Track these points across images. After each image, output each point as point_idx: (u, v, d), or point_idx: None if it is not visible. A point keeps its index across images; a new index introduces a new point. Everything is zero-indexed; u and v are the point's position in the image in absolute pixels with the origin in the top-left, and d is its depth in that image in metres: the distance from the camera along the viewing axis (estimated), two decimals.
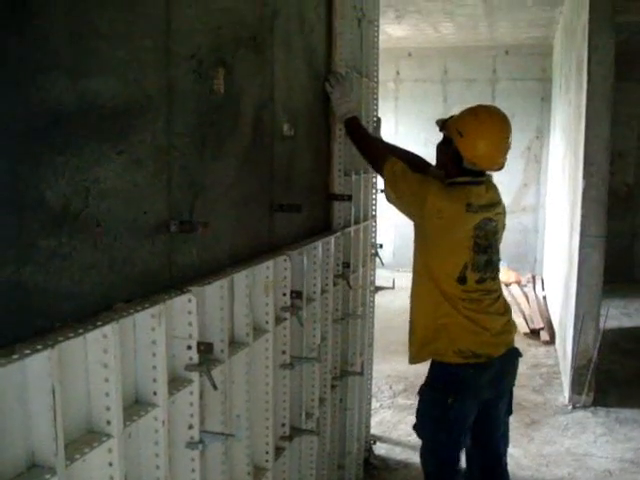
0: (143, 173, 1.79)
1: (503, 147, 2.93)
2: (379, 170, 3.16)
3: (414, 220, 3.02)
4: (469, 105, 2.98)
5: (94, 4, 1.57)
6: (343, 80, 3.31)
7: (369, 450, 4.36)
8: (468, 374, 2.94)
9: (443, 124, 3.04)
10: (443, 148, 3.02)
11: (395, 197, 3.03)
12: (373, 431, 4.60)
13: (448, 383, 2.96)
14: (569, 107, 6.57)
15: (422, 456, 3.16)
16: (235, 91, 2.28)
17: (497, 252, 3.05)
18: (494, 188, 3.10)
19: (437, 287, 2.93)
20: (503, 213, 3.14)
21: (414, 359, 3.07)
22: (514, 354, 3.16)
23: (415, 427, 3.11)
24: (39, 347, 1.34)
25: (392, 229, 9.64)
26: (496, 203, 3.03)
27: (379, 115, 4.18)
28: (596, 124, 5.04)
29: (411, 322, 3.09)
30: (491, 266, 2.99)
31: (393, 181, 3.02)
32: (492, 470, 3.26)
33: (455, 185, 2.93)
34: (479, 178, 2.95)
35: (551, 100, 9.53)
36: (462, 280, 2.91)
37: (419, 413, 3.07)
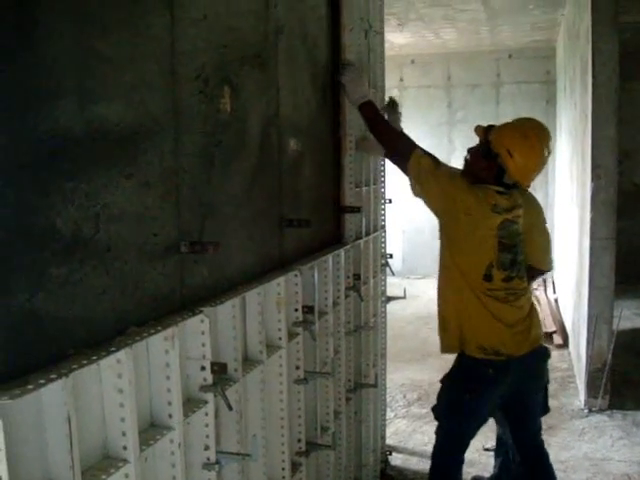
0: (152, 195, 1.79)
1: (543, 166, 3.10)
2: (402, 162, 3.16)
3: (440, 215, 3.10)
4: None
5: (98, 29, 1.57)
6: (353, 66, 3.30)
7: (385, 461, 4.34)
8: (487, 374, 3.04)
9: (484, 132, 3.09)
10: (482, 158, 3.06)
11: (421, 191, 3.09)
12: (388, 441, 4.58)
13: (467, 379, 3.10)
14: (575, 109, 6.55)
15: (436, 434, 3.33)
16: (241, 109, 2.28)
17: (522, 252, 3.13)
18: (523, 194, 3.21)
19: (465, 281, 3.04)
20: (534, 214, 3.29)
21: (447, 348, 3.17)
22: (540, 354, 3.25)
23: (434, 409, 3.28)
24: (53, 376, 1.34)
25: (400, 236, 9.63)
26: (516, 206, 3.10)
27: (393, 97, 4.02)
28: (602, 126, 5.03)
29: (441, 314, 3.17)
30: (517, 265, 3.09)
31: (419, 175, 3.07)
32: (534, 463, 3.41)
33: (481, 186, 3.02)
34: (509, 190, 3.05)
35: (556, 102, 9.51)
36: (488, 277, 3.01)
37: (439, 398, 3.25)
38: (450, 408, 3.19)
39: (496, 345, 3.01)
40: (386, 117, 3.63)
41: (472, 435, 3.26)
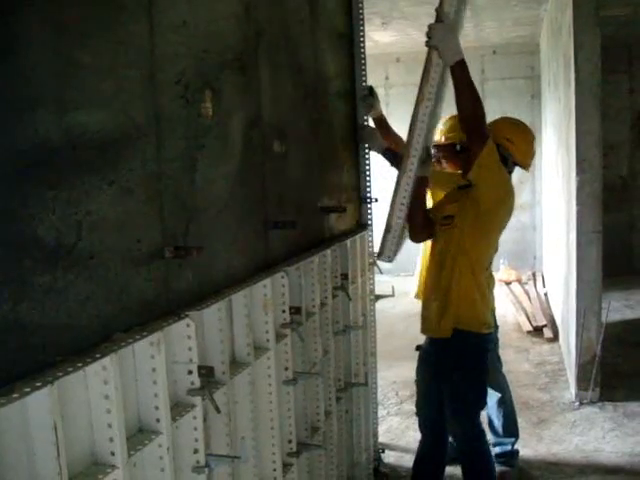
0: (135, 202, 1.80)
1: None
2: (478, 141, 3.06)
3: (487, 205, 3.18)
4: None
5: (77, 37, 1.58)
6: (443, 23, 3.10)
7: (378, 459, 4.34)
8: (490, 348, 3.48)
9: None
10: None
11: (486, 176, 3.12)
12: (381, 439, 4.59)
13: (482, 360, 3.35)
14: (559, 104, 6.59)
15: (463, 433, 3.47)
16: (223, 113, 2.28)
17: None
18: None
19: (475, 267, 3.29)
20: None
21: (443, 331, 3.32)
22: None
23: (462, 410, 3.40)
24: (38, 384, 1.34)
25: None
26: None
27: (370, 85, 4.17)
28: (586, 120, 5.05)
29: (443, 296, 3.32)
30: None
31: (491, 162, 3.11)
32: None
33: None
34: None
35: (541, 97, 9.54)
36: (488, 267, 3.42)
37: (464, 395, 3.35)
38: (482, 391, 3.40)
39: (491, 321, 3.41)
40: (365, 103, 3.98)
41: None
